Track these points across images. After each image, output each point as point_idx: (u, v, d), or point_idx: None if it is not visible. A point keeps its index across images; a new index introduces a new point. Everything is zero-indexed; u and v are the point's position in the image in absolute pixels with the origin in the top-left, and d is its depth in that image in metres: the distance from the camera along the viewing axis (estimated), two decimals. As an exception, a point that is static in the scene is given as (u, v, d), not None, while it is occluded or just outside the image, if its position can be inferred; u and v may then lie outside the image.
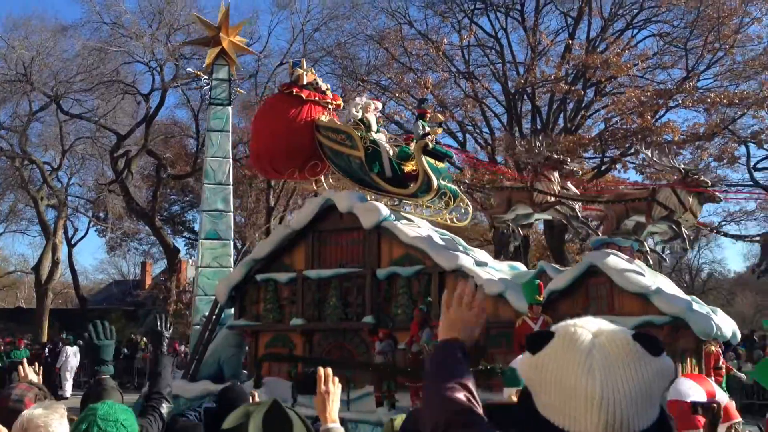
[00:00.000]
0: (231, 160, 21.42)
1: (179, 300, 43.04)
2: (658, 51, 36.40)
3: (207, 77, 21.79)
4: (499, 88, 38.03)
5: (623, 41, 36.37)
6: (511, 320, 14.74)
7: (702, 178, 14.80)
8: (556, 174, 15.93)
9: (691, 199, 14.38)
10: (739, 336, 15.32)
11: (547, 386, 2.02)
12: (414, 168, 16.98)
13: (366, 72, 39.49)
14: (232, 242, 20.66)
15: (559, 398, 1.99)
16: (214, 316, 18.37)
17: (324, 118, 17.95)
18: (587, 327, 2.06)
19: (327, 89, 18.75)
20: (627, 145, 35.65)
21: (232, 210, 20.92)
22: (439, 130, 17.71)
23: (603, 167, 36.60)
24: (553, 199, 15.64)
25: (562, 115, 36.60)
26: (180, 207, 49.29)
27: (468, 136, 39.32)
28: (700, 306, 14.13)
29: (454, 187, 17.26)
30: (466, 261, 15.52)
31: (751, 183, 33.51)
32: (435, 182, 16.50)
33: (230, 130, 21.79)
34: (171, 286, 42.34)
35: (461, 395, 2.25)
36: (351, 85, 38.75)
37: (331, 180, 18.61)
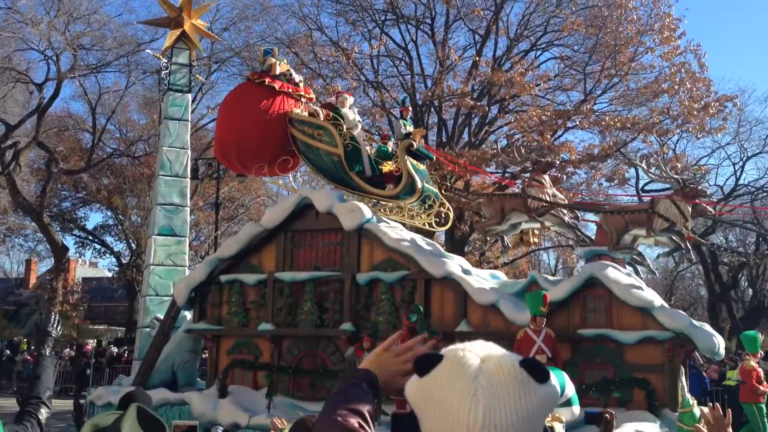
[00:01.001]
0: (189, 151, 19.77)
1: (66, 301, 40.49)
2: (559, 73, 36.68)
3: (166, 60, 20.07)
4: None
5: (527, 62, 36.46)
6: (502, 331, 14.01)
7: (700, 188, 14.38)
8: (547, 177, 15.26)
9: (690, 210, 13.96)
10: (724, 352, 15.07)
11: (432, 410, 1.96)
12: (393, 168, 16.07)
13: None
14: (187, 239, 19.01)
15: (442, 423, 1.94)
16: (170, 319, 16.74)
17: (298, 111, 16.76)
18: (476, 351, 2.00)
19: (300, 81, 17.59)
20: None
21: (188, 204, 19.31)
22: (423, 131, 16.79)
23: (504, 182, 36.69)
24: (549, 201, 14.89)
25: (467, 129, 36.51)
26: (71, 203, 46.28)
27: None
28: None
29: (436, 189, 16.38)
30: (455, 268, 14.65)
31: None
32: (419, 184, 15.61)
33: (189, 118, 20.15)
34: (57, 286, 39.73)
35: (353, 420, 2.23)
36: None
37: (299, 177, 17.37)
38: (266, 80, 16.81)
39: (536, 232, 21.22)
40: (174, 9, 20.15)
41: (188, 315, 17.33)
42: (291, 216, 15.93)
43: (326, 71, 37.66)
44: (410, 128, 16.52)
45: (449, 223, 16.33)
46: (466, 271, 15.12)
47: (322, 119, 16.36)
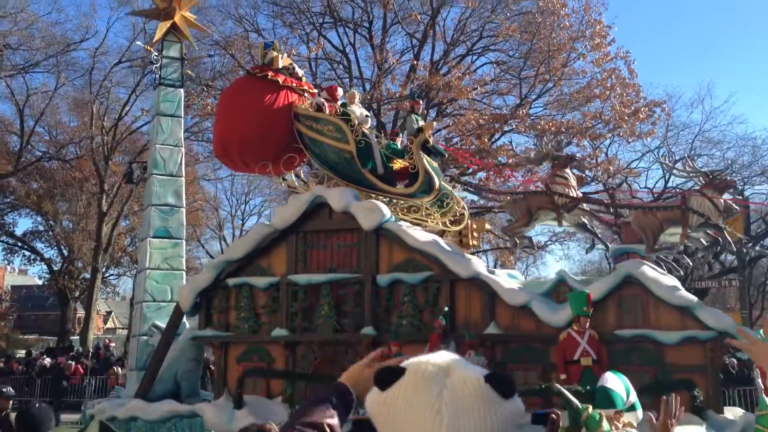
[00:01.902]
0: (183, 149, 18.52)
1: (-7, 308, 38.26)
2: (495, 78, 36.70)
3: (157, 53, 18.71)
4: (345, 102, 36.88)
5: (464, 66, 36.47)
6: (533, 333, 13.47)
7: (729, 178, 14.05)
8: (569, 172, 14.72)
9: (723, 203, 13.62)
10: None
11: (394, 425, 1.89)
12: (403, 166, 15.41)
13: (211, 77, 37.09)
14: (184, 242, 17.78)
15: None
16: (173, 327, 15.57)
17: (304, 105, 15.92)
18: (440, 365, 1.92)
19: (302, 76, 16.72)
20: (464, 165, 35.95)
21: (184, 205, 18.03)
22: (433, 124, 16.13)
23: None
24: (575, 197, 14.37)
25: (405, 132, 36.06)
26: (-1, 208, 43.63)
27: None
28: (730, 320, 13.41)
29: (450, 187, 15.74)
30: (482, 268, 14.05)
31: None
32: (437, 182, 14.95)
33: (182, 114, 18.87)
34: (-16, 293, 37.45)
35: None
36: (194, 89, 36.49)
37: (301, 176, 16.46)
38: (269, 74, 15.87)
39: (475, 234, 20.81)
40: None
41: (187, 322, 16.24)
42: (303, 216, 15.04)
43: (263, 73, 36.69)
44: (422, 123, 15.87)
45: (464, 223, 15.67)
46: (490, 271, 14.54)
47: (327, 113, 15.57)
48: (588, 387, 11.63)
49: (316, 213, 15.09)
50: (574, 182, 14.52)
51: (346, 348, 14.57)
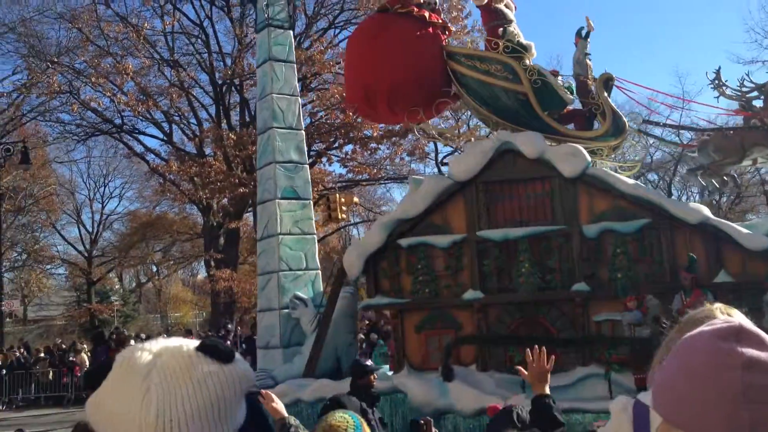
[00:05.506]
0: (299, 99, 15.07)
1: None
2: (361, 51, 34.99)
3: None
4: (206, 78, 34.28)
5: (326, 40, 34.59)
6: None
7: None
8: None
9: None
10: None
11: (106, 422, 1.69)
12: (568, 108, 13.53)
13: (57, 53, 32.21)
14: (312, 202, 14.33)
15: None
16: (336, 298, 12.52)
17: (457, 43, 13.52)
18: (149, 348, 1.74)
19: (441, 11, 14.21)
20: (331, 139, 34.30)
21: (307, 162, 14.63)
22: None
23: (309, 161, 34.80)
24: None
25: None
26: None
27: (175, 126, 34.64)
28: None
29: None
30: (709, 213, 12.43)
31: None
32: (626, 123, 13.13)
33: (294, 60, 15.36)
34: None
35: None
36: (39, 66, 31.58)
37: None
38: (413, 9, 13.25)
39: (344, 208, 19.52)
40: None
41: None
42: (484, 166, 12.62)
43: (116, 49, 32.76)
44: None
45: (639, 165, 13.93)
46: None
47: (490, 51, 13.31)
48: None
49: (498, 161, 12.79)
50: None
51: (548, 307, 12.41)
